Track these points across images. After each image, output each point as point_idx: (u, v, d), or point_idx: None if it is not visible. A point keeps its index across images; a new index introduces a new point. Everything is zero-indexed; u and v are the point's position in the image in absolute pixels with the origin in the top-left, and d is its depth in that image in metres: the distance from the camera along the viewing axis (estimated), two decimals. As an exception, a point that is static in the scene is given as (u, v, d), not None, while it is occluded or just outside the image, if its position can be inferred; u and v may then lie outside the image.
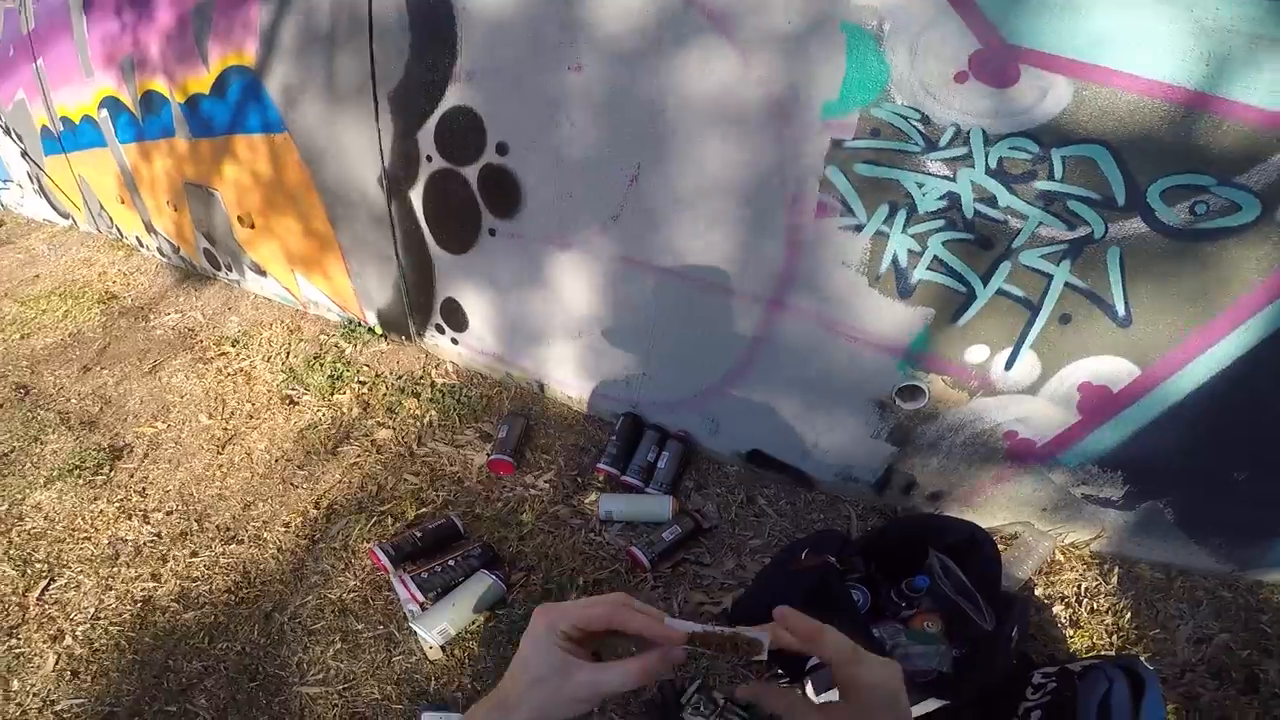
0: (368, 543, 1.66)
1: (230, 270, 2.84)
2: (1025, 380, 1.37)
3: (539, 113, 1.52)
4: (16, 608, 1.60)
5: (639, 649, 0.50)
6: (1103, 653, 1.41)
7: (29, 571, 1.67)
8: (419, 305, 2.22)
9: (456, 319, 2.14)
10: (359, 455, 1.97)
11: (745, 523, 1.74)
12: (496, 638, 1.45)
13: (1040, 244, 1.20)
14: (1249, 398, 1.24)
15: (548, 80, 1.47)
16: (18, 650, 1.51)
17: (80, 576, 1.66)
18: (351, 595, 1.56)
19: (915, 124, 1.17)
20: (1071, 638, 1.45)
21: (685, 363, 1.76)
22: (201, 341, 2.57)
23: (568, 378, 2.03)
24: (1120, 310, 1.22)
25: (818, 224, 1.35)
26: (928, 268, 1.31)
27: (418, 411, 2.11)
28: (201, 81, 2.17)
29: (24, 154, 3.50)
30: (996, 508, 1.62)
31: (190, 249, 2.94)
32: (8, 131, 3.48)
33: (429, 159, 1.79)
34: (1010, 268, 1.25)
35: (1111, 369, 1.29)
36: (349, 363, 2.36)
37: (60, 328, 2.75)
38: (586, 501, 1.78)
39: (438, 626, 1.40)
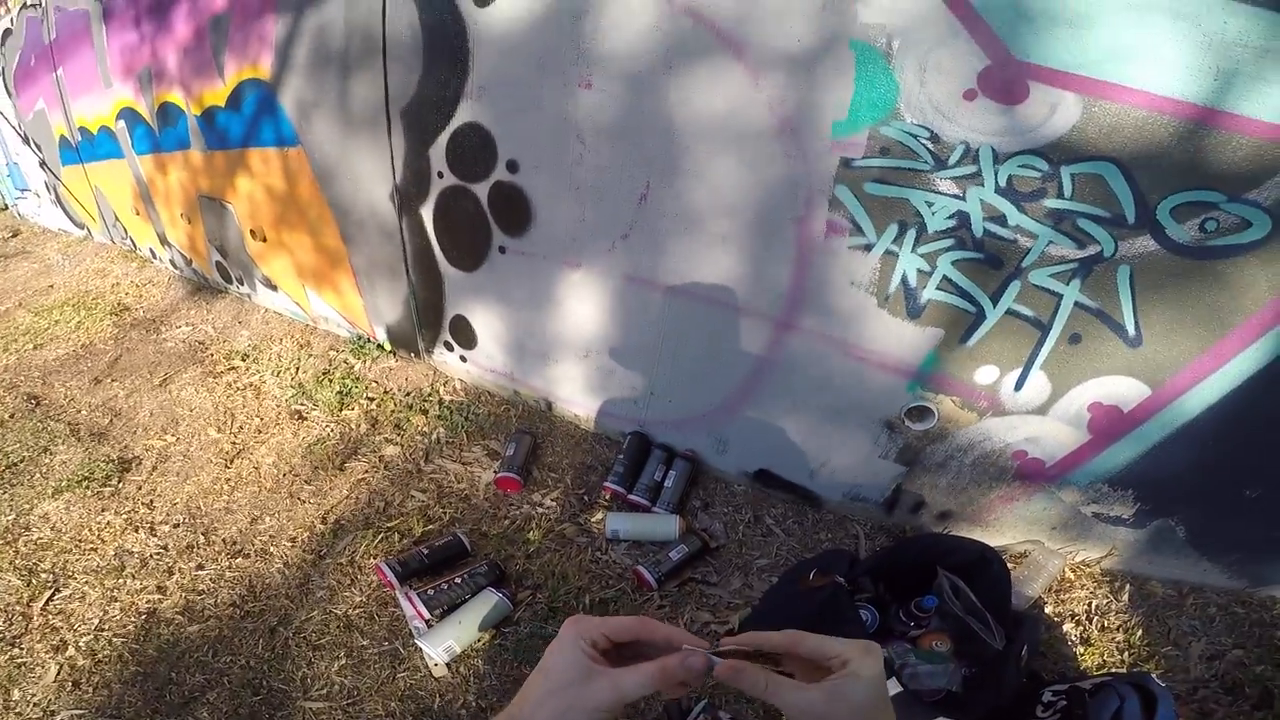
0: (374, 559, 1.66)
1: (242, 284, 2.86)
2: (1035, 401, 1.37)
3: (549, 131, 1.54)
4: (20, 617, 1.60)
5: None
6: (1114, 670, 1.39)
7: (34, 581, 1.68)
8: (428, 322, 2.23)
9: (465, 336, 2.15)
10: (366, 471, 1.97)
11: (752, 542, 1.73)
12: (502, 655, 1.44)
13: (1050, 263, 1.20)
14: (1261, 416, 1.23)
15: (558, 98, 1.48)
16: (19, 660, 1.50)
17: (85, 587, 1.66)
18: (357, 611, 1.55)
19: (924, 142, 1.17)
20: (1082, 655, 1.43)
21: (693, 382, 1.76)
22: (212, 355, 2.58)
23: (575, 396, 2.03)
24: (1131, 330, 1.21)
25: (827, 243, 1.35)
26: (937, 287, 1.31)
27: (425, 428, 2.12)
28: (217, 94, 2.20)
29: (42, 164, 3.54)
30: (1006, 526, 1.61)
31: (203, 262, 2.96)
32: (27, 141, 3.53)
33: (440, 175, 1.81)
34: (1020, 287, 1.25)
35: (1122, 389, 1.28)
36: (358, 379, 2.37)
37: (73, 339, 2.78)
38: (593, 520, 1.78)
39: (443, 644, 1.39)
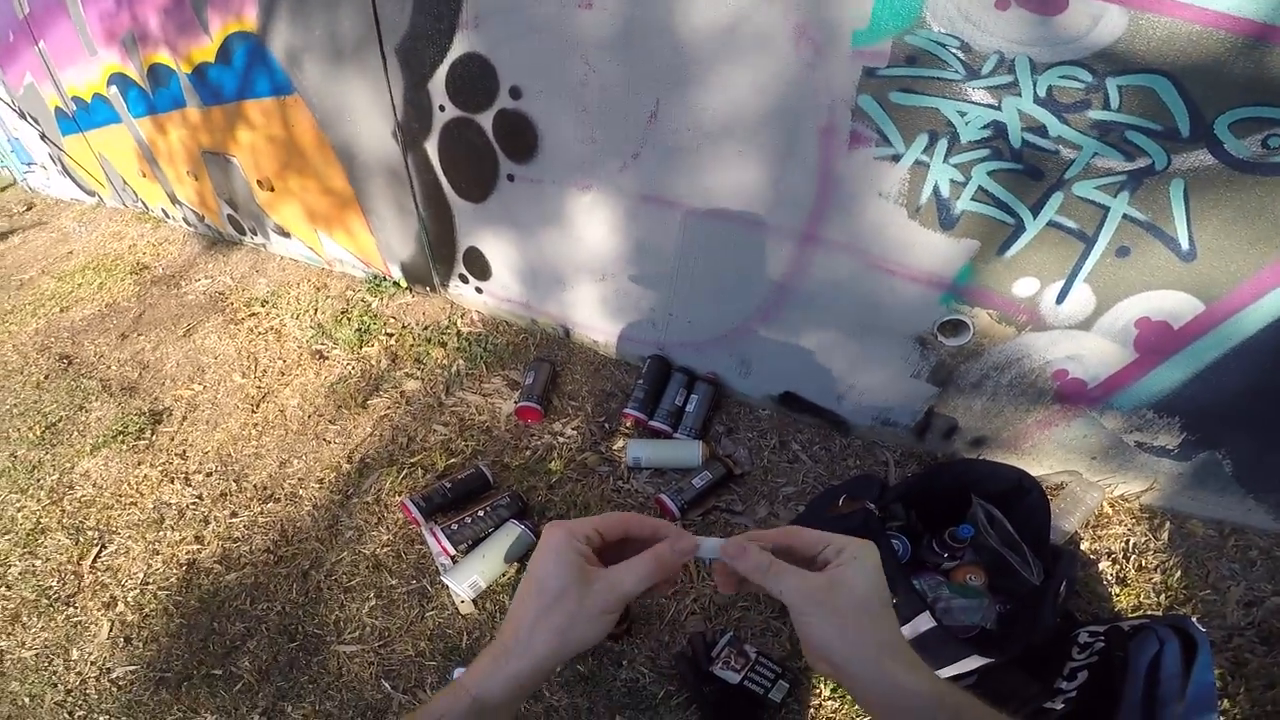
0: (399, 495, 1.68)
1: (255, 234, 2.85)
2: (1078, 315, 1.28)
3: (551, 53, 1.45)
4: (72, 575, 1.66)
5: None
6: (1148, 612, 1.35)
7: (81, 539, 1.74)
8: (442, 256, 2.20)
9: (480, 267, 2.12)
10: (389, 407, 1.98)
11: (778, 469, 1.69)
12: (528, 589, 1.46)
13: (1096, 175, 1.10)
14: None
15: (557, 19, 1.39)
16: (75, 619, 1.57)
17: (129, 542, 1.72)
18: (385, 550, 1.58)
19: (954, 51, 1.07)
20: (1117, 595, 1.39)
21: (714, 301, 1.69)
22: (232, 304, 2.60)
23: (593, 321, 2.00)
24: (1184, 244, 1.12)
25: (851, 154, 1.26)
26: (972, 198, 1.22)
27: (445, 361, 2.11)
28: (206, 50, 2.14)
29: (43, 136, 3.53)
30: (1043, 454, 1.54)
31: (214, 216, 2.95)
32: (23, 115, 3.51)
33: (441, 109, 1.74)
34: (1063, 199, 1.15)
35: (1173, 304, 1.19)
36: (375, 316, 2.36)
37: (96, 299, 2.82)
38: (614, 448, 1.76)
39: (469, 580, 1.41)
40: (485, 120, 1.68)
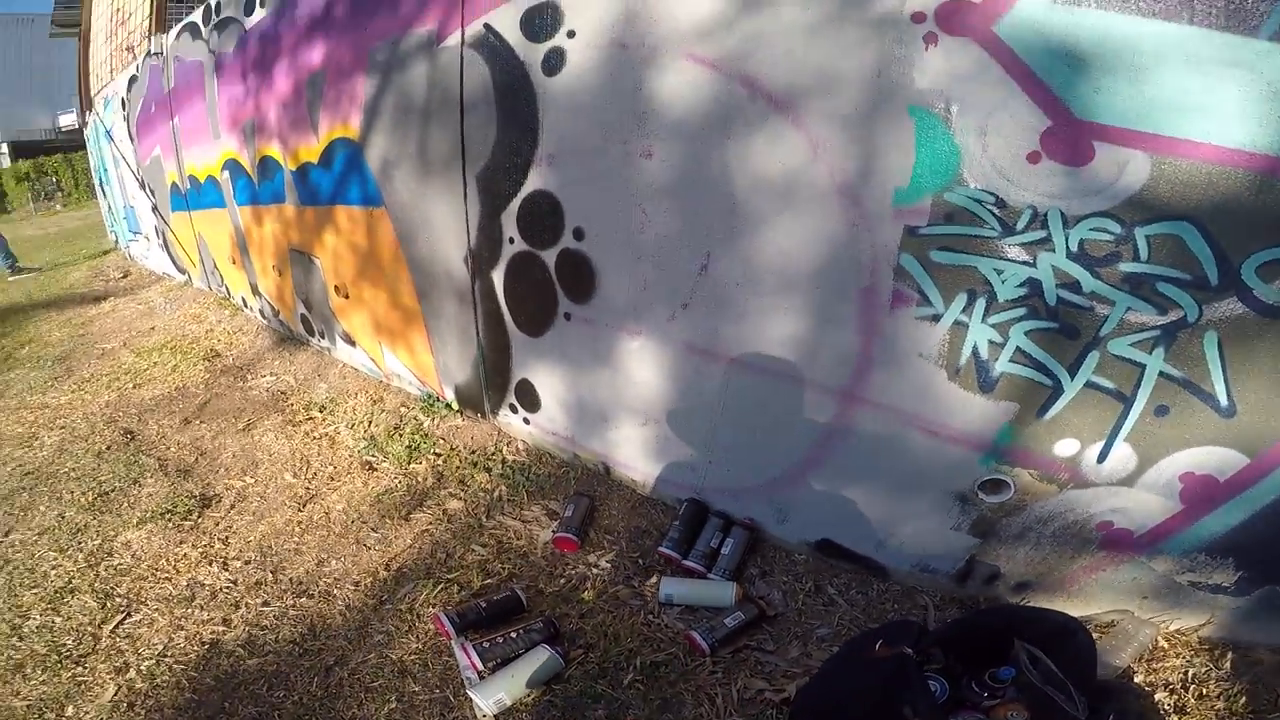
0: (433, 608, 1.68)
1: (323, 338, 3.03)
2: (1120, 472, 1.28)
3: (613, 199, 1.60)
4: (90, 638, 1.68)
5: None
6: None
7: (108, 605, 1.77)
8: (495, 384, 2.30)
9: (529, 399, 2.20)
10: (430, 523, 2.02)
11: (813, 611, 1.65)
12: (550, 713, 1.40)
13: (1130, 330, 1.14)
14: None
15: (621, 167, 1.55)
16: (80, 679, 1.57)
17: (155, 614, 1.73)
18: (412, 657, 1.55)
19: (990, 208, 1.16)
20: None
21: (753, 452, 1.73)
22: (292, 405, 2.74)
23: (633, 461, 2.03)
24: (1222, 400, 1.14)
25: (893, 314, 1.32)
26: (1010, 359, 1.25)
27: (488, 485, 2.17)
28: (312, 150, 2.37)
29: (154, 209, 3.83)
30: (1091, 596, 1.48)
31: (288, 313, 3.16)
32: (143, 186, 3.84)
33: (511, 241, 1.90)
34: (1099, 358, 1.18)
35: (1217, 460, 1.19)
36: (426, 435, 2.46)
37: (169, 380, 3.01)
38: (647, 584, 1.75)
39: (494, 696, 1.37)
40: (550, 257, 1.82)
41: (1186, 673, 1.39)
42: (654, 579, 1.74)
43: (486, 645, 1.48)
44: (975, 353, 1.28)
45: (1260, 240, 1.01)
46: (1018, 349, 1.24)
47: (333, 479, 2.26)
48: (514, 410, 2.30)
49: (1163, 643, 1.45)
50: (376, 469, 2.30)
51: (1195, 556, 1.34)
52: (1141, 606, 1.46)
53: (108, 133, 4.01)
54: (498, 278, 2.02)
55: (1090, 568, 1.44)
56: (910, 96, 1.15)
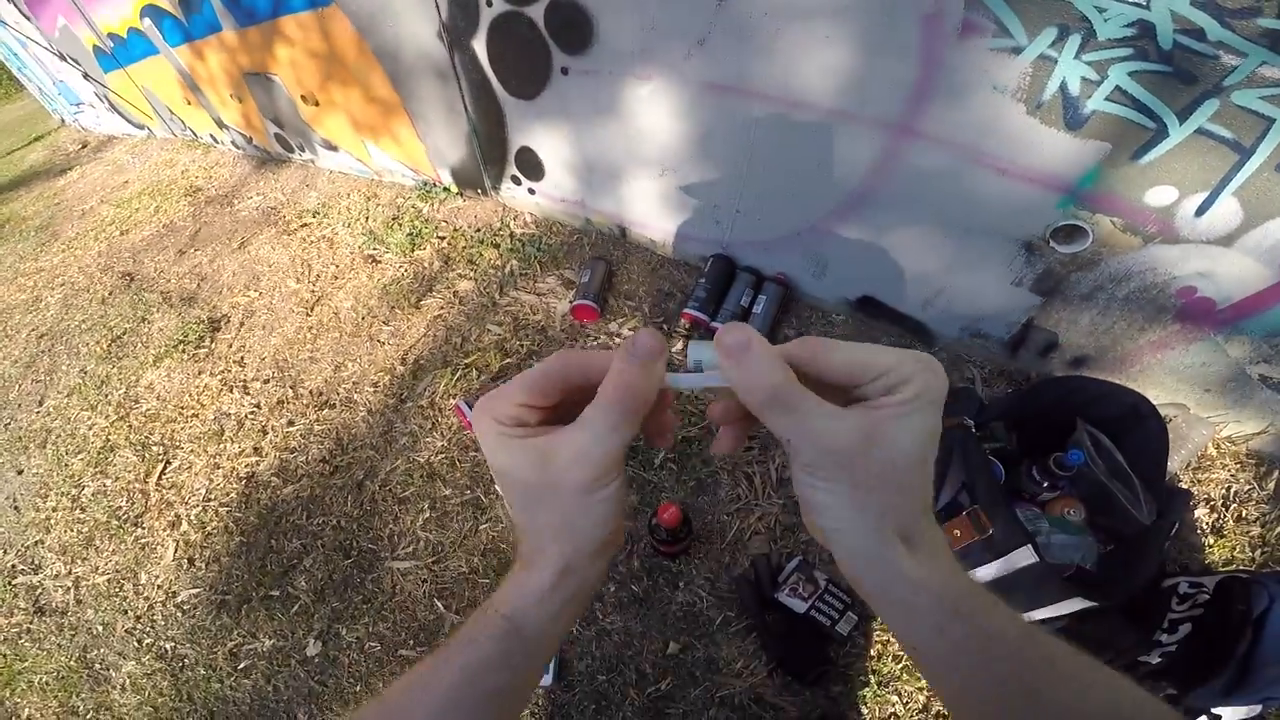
0: (453, 398, 1.65)
1: (303, 150, 2.82)
2: (1219, 229, 1.11)
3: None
4: (139, 494, 1.71)
5: None
6: (1241, 567, 1.23)
7: (147, 456, 1.78)
8: (493, 158, 2.12)
9: (532, 168, 2.03)
10: (442, 307, 1.95)
11: (854, 379, 1.59)
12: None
13: (1262, 84, 0.93)
14: None
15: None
16: (143, 540, 1.62)
17: (191, 457, 1.75)
18: (439, 458, 1.56)
19: None
20: (1211, 547, 1.27)
21: (787, 197, 1.56)
22: (284, 217, 2.59)
23: (651, 220, 1.90)
24: (1362, 165, 0.93)
25: (962, 43, 1.10)
26: (1106, 98, 1.05)
27: (498, 261, 2.06)
28: None
29: (85, 75, 3.55)
30: (1150, 381, 1.39)
31: (262, 137, 2.93)
32: (63, 57, 3.52)
33: (489, 4, 1.60)
34: (1218, 105, 0.98)
35: (1337, 227, 1.01)
36: (427, 220, 2.32)
37: (154, 221, 2.86)
38: (674, 350, 1.68)
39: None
40: (536, 12, 1.54)
41: (1229, 488, 1.33)
42: (680, 345, 1.67)
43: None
44: (1064, 88, 1.07)
45: None
46: (1117, 87, 1.03)
47: (336, 278, 2.19)
48: (517, 182, 2.14)
49: (1211, 449, 1.38)
50: (380, 261, 2.21)
51: (1275, 341, 1.21)
52: (1201, 401, 1.37)
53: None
54: (479, 46, 1.74)
55: (1159, 344, 1.32)
56: None
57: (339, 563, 1.45)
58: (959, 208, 1.32)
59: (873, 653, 1.18)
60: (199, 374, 1.96)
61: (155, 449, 1.80)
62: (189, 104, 3.12)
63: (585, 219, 2.07)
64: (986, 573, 1.02)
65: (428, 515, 1.47)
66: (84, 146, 4.07)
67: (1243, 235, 1.10)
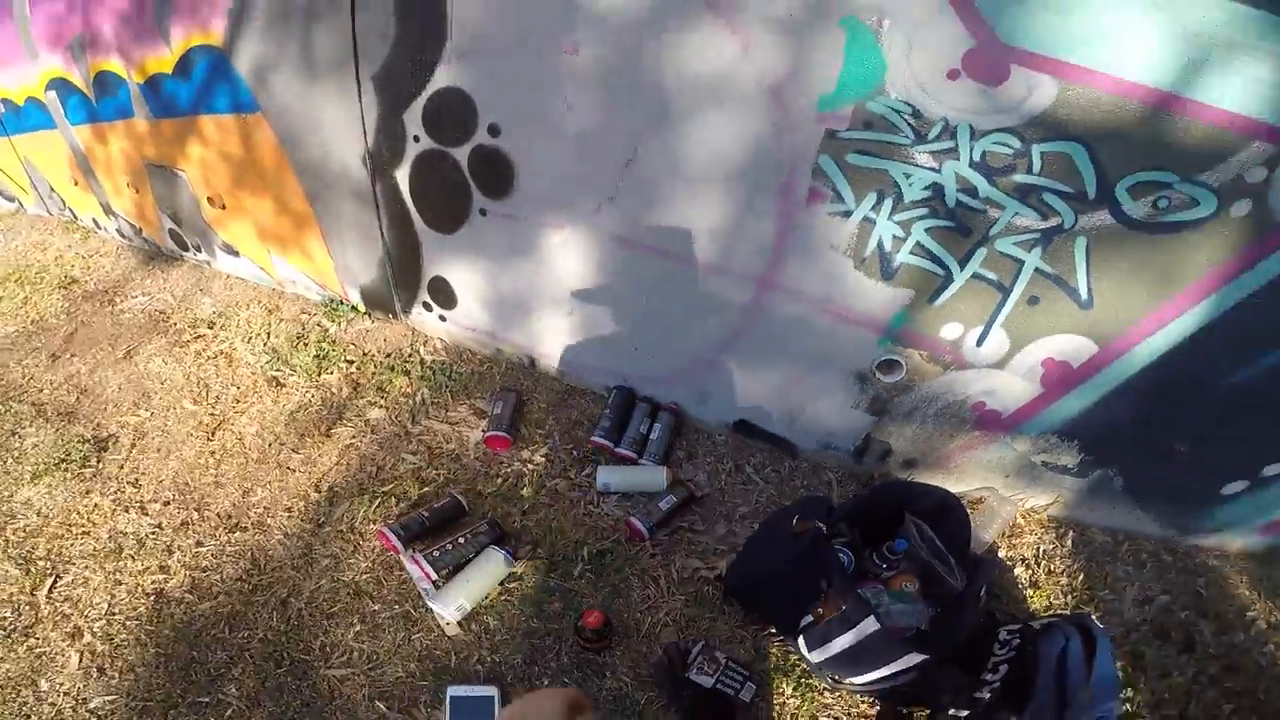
0: (374, 524, 1.70)
1: (199, 250, 2.73)
2: (994, 355, 1.49)
3: (534, 94, 1.51)
4: (28, 607, 1.58)
5: None
6: (1058, 611, 1.56)
7: (32, 570, 1.66)
8: (405, 284, 2.21)
9: (445, 296, 2.15)
10: (354, 436, 1.98)
11: (734, 490, 1.84)
12: (509, 610, 1.53)
13: (1015, 232, 1.29)
14: (1194, 374, 1.37)
15: (543, 62, 1.46)
16: (39, 650, 1.50)
17: (86, 572, 1.65)
18: (365, 577, 1.60)
19: (907, 118, 1.22)
20: (1031, 597, 1.60)
21: (676, 336, 1.82)
22: (175, 325, 2.49)
23: (559, 352, 2.07)
24: (1083, 294, 1.32)
25: (809, 209, 1.41)
26: (910, 252, 1.39)
27: (409, 389, 2.12)
28: (164, 61, 2.06)
29: None
30: (965, 473, 1.76)
31: (154, 230, 2.80)
32: None
33: (416, 139, 1.76)
34: (986, 253, 1.34)
35: (1074, 346, 1.41)
36: (334, 341, 2.33)
37: (20, 315, 2.62)
38: (583, 474, 1.84)
39: (455, 603, 1.47)
40: (461, 154, 1.72)
41: (1038, 549, 1.70)
42: (589, 469, 1.84)
43: (437, 554, 1.55)
44: (880, 245, 1.41)
45: (1137, 163, 1.14)
46: (918, 243, 1.38)
47: (238, 401, 2.13)
48: (428, 309, 2.23)
49: (1020, 520, 1.76)
50: (284, 384, 2.18)
51: (1048, 438, 1.60)
52: (1005, 485, 1.76)
53: None
54: (402, 177, 1.88)
55: (965, 446, 1.69)
56: (846, 8, 1.15)
57: (271, 671, 1.44)
58: (809, 345, 1.64)
59: (774, 714, 1.38)
60: (86, 493, 1.84)
61: (41, 563, 1.67)
62: (76, 184, 2.91)
63: (496, 348, 2.20)
64: (846, 640, 1.27)
65: (359, 628, 1.50)
66: (-65, 213, 3.61)
67: (1011, 359, 1.48)
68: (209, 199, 2.40)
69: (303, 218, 2.22)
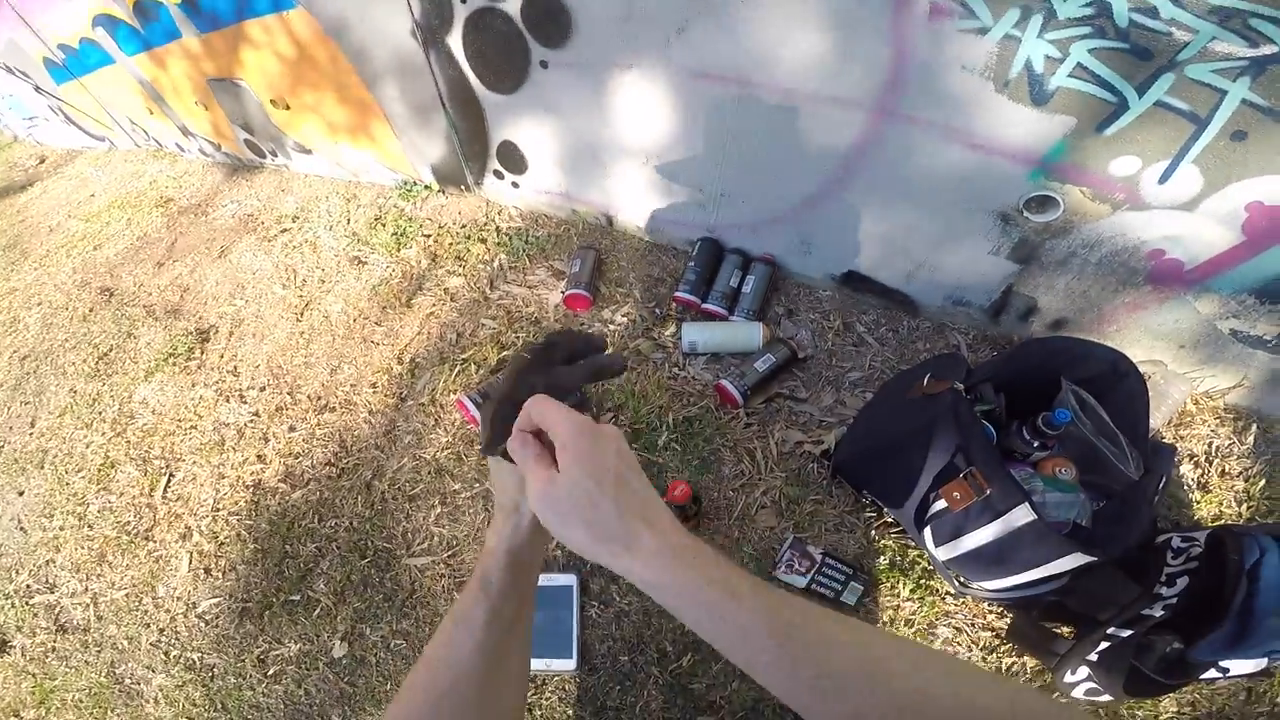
0: (454, 393, 1.67)
1: (276, 155, 2.76)
2: (1182, 195, 1.17)
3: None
4: (147, 509, 1.70)
5: None
6: (1227, 522, 1.29)
7: (149, 470, 1.77)
8: (474, 153, 2.11)
9: (515, 161, 2.03)
10: (434, 305, 1.96)
11: (844, 353, 1.63)
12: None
13: (1212, 59, 0.99)
14: None
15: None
16: (156, 553, 1.62)
17: (195, 468, 1.74)
18: (445, 453, 1.58)
19: None
20: (1198, 503, 1.34)
21: (771, 179, 1.59)
22: (263, 223, 2.56)
23: (637, 207, 1.92)
24: (1306, 130, 0.99)
25: (931, 25, 1.14)
26: (1069, 75, 1.10)
27: (486, 256, 2.07)
28: None
29: (37, 89, 3.41)
30: (1128, 340, 1.46)
31: (231, 144, 2.86)
32: (11, 71, 3.38)
33: (463, 1, 1.59)
34: (1173, 80, 1.04)
35: (1291, 191, 1.07)
36: (410, 219, 2.31)
37: (127, 234, 2.79)
38: (667, 334, 1.71)
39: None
40: (512, 6, 1.54)
41: (1211, 444, 1.40)
42: (674, 329, 1.70)
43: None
44: (1029, 66, 1.13)
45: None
46: (1079, 64, 1.09)
47: (324, 282, 2.17)
48: (499, 177, 2.14)
49: (1190, 405, 1.44)
50: (366, 262, 2.20)
51: (1244, 299, 1.28)
52: (1177, 357, 1.44)
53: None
54: (454, 42, 1.73)
55: (1133, 305, 1.38)
56: None
57: (356, 563, 1.47)
58: (936, 183, 1.37)
59: (884, 619, 1.24)
60: (193, 386, 1.96)
61: (157, 463, 1.80)
62: (151, 113, 3.02)
63: (571, 210, 2.08)
64: (987, 533, 1.06)
65: (439, 511, 1.50)
66: (42, 161, 3.95)
67: (1204, 200, 1.16)
68: (272, 102, 2.37)
69: (365, 104, 2.15)
